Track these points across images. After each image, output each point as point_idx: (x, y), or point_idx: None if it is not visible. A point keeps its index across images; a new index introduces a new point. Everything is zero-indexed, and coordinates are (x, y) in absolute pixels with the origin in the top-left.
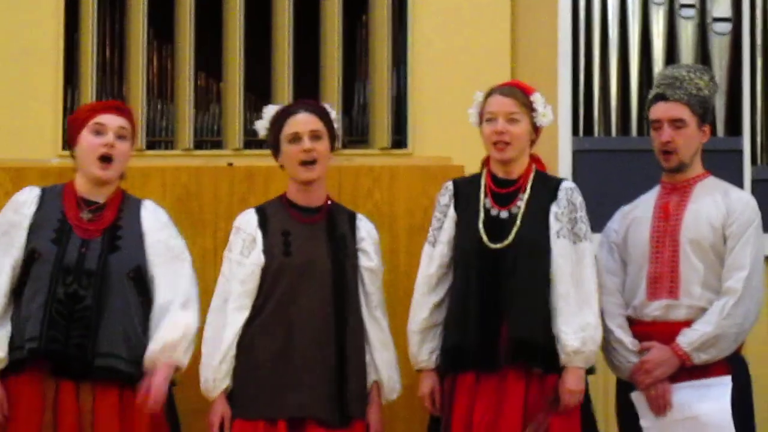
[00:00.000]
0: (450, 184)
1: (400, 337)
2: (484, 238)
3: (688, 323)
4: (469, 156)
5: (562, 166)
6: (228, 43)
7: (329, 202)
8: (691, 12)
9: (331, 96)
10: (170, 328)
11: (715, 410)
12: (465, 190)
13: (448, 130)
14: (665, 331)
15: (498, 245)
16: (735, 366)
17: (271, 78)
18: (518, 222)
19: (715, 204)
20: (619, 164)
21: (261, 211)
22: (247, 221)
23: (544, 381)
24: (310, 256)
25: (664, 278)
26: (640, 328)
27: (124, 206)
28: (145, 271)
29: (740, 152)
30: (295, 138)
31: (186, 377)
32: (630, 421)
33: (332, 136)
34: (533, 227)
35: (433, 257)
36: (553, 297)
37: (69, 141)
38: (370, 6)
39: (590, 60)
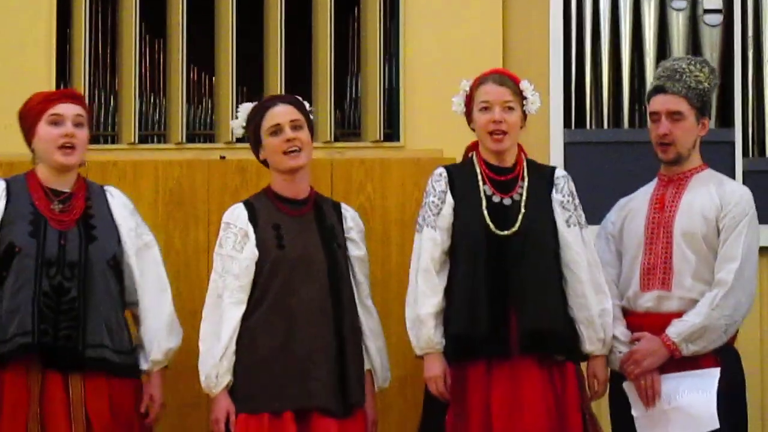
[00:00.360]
0: (443, 171)
1: (394, 328)
2: (491, 224)
3: (680, 315)
4: (461, 148)
5: (554, 158)
6: (220, 37)
7: (315, 194)
8: (683, 4)
9: (323, 89)
10: (175, 336)
11: (700, 401)
12: (459, 177)
13: (440, 123)
14: (657, 323)
15: (505, 232)
16: (725, 358)
17: (263, 72)
18: (523, 209)
19: (709, 196)
20: (610, 156)
21: (249, 206)
22: (237, 216)
23: (563, 368)
24: (304, 248)
25: (657, 269)
26: (634, 319)
27: (91, 194)
28: (120, 259)
29: (732, 144)
30: (277, 130)
31: (179, 372)
32: (622, 410)
33: (310, 126)
34: (537, 214)
35: (438, 242)
36: (574, 284)
37: (25, 134)
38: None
39: (582, 52)
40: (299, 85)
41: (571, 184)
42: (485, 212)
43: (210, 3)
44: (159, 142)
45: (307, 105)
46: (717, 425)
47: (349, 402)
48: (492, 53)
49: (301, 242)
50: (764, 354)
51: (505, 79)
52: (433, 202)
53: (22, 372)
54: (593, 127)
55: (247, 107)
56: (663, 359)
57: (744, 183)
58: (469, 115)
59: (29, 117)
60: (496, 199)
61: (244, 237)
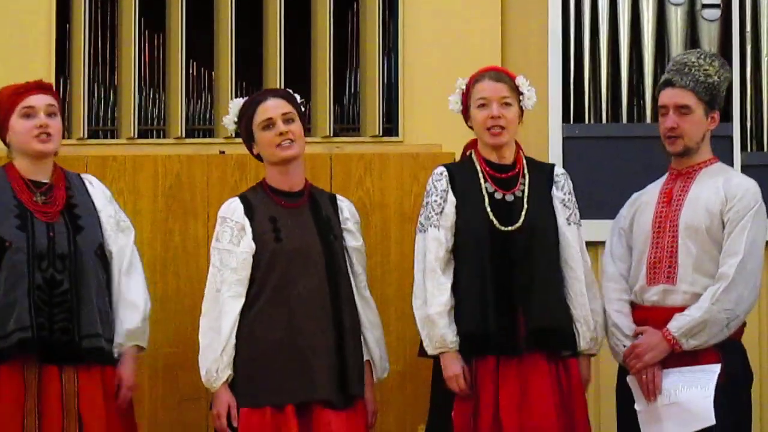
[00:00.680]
0: (443, 170)
1: (393, 322)
2: (494, 221)
3: (684, 309)
4: (460, 143)
5: (553, 153)
6: (219, 32)
7: (310, 186)
8: None
9: (322, 84)
10: (130, 315)
11: (698, 397)
12: (460, 176)
13: (439, 118)
14: (662, 317)
15: (509, 228)
16: (727, 353)
17: (262, 67)
18: (526, 205)
19: (715, 189)
20: (609, 151)
21: (245, 199)
22: (233, 210)
23: (568, 364)
24: (302, 240)
25: (663, 264)
26: (641, 313)
27: (70, 183)
28: (104, 247)
29: (730, 138)
30: (269, 124)
31: (179, 367)
32: (627, 404)
33: (302, 119)
34: (540, 210)
35: (442, 241)
36: (572, 282)
37: (1, 130)
38: None
39: (580, 47)
40: (298, 80)
41: (570, 182)
42: (488, 209)
43: None
44: (158, 136)
45: (298, 97)
46: (713, 421)
47: (349, 393)
48: (491, 48)
49: (298, 234)
50: (763, 349)
51: (502, 75)
52: (435, 201)
53: (19, 367)
54: (592, 121)
55: (237, 103)
56: (664, 354)
57: None
58: (466, 113)
59: (0, 111)
60: (498, 195)
61: (241, 230)
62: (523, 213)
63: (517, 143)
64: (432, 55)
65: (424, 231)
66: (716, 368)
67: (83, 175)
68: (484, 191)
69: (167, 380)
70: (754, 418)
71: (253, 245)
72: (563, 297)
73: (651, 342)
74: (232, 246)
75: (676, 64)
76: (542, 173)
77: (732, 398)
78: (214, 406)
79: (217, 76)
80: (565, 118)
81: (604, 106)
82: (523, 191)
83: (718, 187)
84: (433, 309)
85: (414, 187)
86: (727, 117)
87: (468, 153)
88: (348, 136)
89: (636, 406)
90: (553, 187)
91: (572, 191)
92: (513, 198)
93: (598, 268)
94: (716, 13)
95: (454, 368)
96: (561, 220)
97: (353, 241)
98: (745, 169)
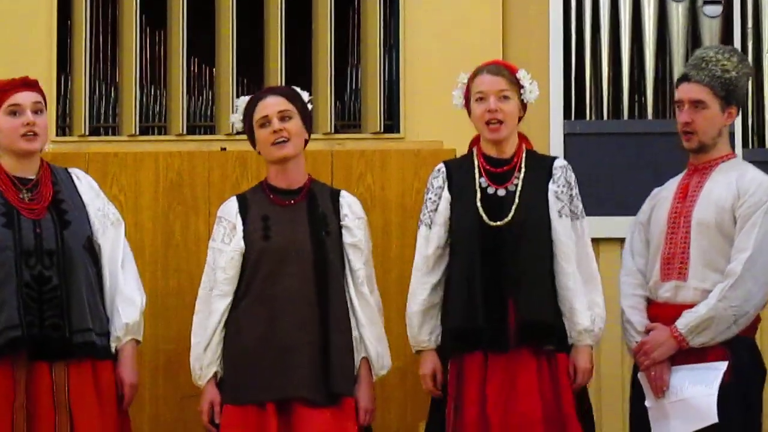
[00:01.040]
0: (442, 167)
1: (394, 318)
2: (484, 216)
3: (694, 305)
4: (461, 140)
5: (554, 150)
6: (220, 28)
7: (310, 183)
8: None
9: (323, 81)
10: (128, 309)
11: (702, 394)
12: (458, 171)
13: (440, 114)
14: (673, 313)
15: (498, 223)
16: (736, 350)
17: (263, 63)
18: (517, 200)
19: (727, 184)
20: (610, 147)
21: (242, 198)
22: (228, 209)
23: (554, 359)
24: (290, 238)
25: (675, 259)
26: (654, 309)
27: (56, 179)
28: (93, 240)
29: (732, 134)
30: (265, 122)
31: (179, 364)
32: (640, 400)
33: (304, 117)
34: (532, 205)
35: (430, 239)
36: (559, 276)
37: None
38: None
39: (581, 43)
40: (299, 76)
41: (570, 175)
42: (479, 204)
43: None
44: (159, 133)
45: (306, 95)
46: (716, 419)
47: (332, 391)
48: (492, 44)
49: (289, 232)
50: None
51: (501, 68)
52: (430, 198)
53: (8, 364)
54: (593, 118)
55: (243, 100)
56: (672, 351)
57: None
58: (468, 107)
59: None
60: (491, 190)
61: (233, 230)
62: (514, 208)
63: (523, 137)
64: (433, 52)
65: (419, 228)
66: (722, 366)
67: (71, 170)
68: (477, 186)
69: (168, 377)
70: (766, 415)
71: (242, 244)
72: (553, 291)
73: (659, 339)
74: (223, 245)
75: (694, 59)
76: (542, 167)
77: (740, 395)
78: (200, 402)
79: (218, 73)
80: (567, 114)
81: (606, 103)
82: (516, 185)
83: (731, 182)
84: (411, 308)
85: (415, 183)
86: None
87: (473, 148)
88: (349, 133)
89: (646, 403)
90: (550, 181)
91: (572, 183)
92: (505, 192)
93: (600, 264)
94: (717, 9)
95: (424, 367)
96: (553, 213)
97: (349, 237)
98: None
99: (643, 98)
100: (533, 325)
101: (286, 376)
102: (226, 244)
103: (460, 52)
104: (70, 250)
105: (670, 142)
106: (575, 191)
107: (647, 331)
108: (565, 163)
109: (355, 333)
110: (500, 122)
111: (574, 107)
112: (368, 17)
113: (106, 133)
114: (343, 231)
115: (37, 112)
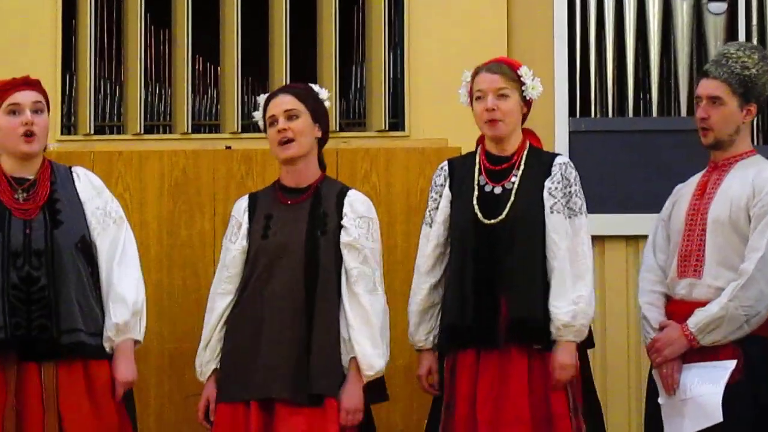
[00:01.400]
0: (445, 164)
1: (400, 316)
2: (479, 214)
3: (708, 303)
4: (466, 138)
5: (559, 147)
6: (225, 27)
7: (320, 181)
8: None
9: (328, 79)
10: (119, 308)
11: (709, 393)
12: (460, 169)
13: (445, 112)
14: (688, 311)
15: (492, 221)
16: (748, 348)
17: (268, 62)
18: (512, 197)
19: (743, 182)
20: (615, 145)
21: (253, 197)
22: (238, 208)
23: (546, 357)
24: (286, 237)
25: (692, 257)
26: (671, 306)
27: (56, 178)
28: (89, 239)
29: None
30: (273, 120)
31: (185, 362)
32: (654, 397)
33: (318, 115)
34: (527, 202)
35: (430, 237)
36: (549, 273)
37: None
38: None
39: (586, 41)
40: (304, 75)
41: (570, 171)
42: (475, 202)
43: None
44: (164, 132)
45: (324, 93)
46: (720, 419)
47: (312, 392)
48: (496, 42)
49: (286, 231)
50: None
51: (501, 66)
52: (432, 197)
53: None
54: (598, 115)
55: (263, 98)
56: (683, 349)
57: None
58: (471, 104)
59: None
60: (488, 188)
61: (239, 229)
62: (508, 205)
63: (530, 134)
64: (438, 50)
65: (423, 227)
66: (730, 365)
67: (73, 168)
68: (475, 184)
69: (173, 376)
70: None
71: (244, 243)
72: (545, 289)
73: (670, 337)
74: (230, 244)
75: (716, 55)
76: (542, 164)
77: (751, 393)
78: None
79: (222, 72)
80: (571, 112)
81: (610, 100)
82: (513, 183)
83: (747, 180)
84: (411, 308)
85: (420, 181)
86: None
87: (478, 146)
88: (354, 131)
89: (659, 400)
90: (548, 178)
91: (571, 180)
92: (501, 190)
93: (604, 262)
94: (722, 6)
95: (420, 368)
96: (546, 209)
97: (345, 236)
98: None
99: (648, 96)
100: (523, 323)
101: (264, 374)
102: (232, 243)
103: (465, 50)
104: (60, 250)
105: (675, 139)
106: (575, 188)
107: (661, 328)
108: (567, 160)
109: (345, 333)
110: (498, 120)
111: (579, 105)
112: (373, 15)
113: (111, 132)
114: (342, 230)
115: (37, 111)
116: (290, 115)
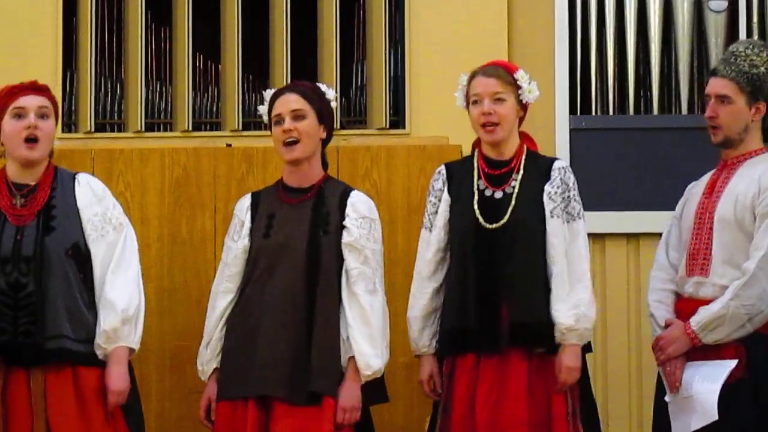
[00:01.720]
0: (443, 169)
1: (400, 314)
2: (480, 218)
3: (712, 301)
4: (467, 136)
5: (559, 145)
6: (226, 25)
7: (323, 181)
8: None
9: (329, 77)
10: (108, 315)
11: (707, 391)
12: (458, 174)
13: (446, 110)
14: (694, 308)
15: (494, 225)
16: (751, 347)
17: (269, 59)
18: (513, 202)
19: (750, 180)
20: (616, 143)
21: (256, 195)
22: (241, 206)
23: (546, 361)
24: (287, 236)
25: (700, 255)
26: (680, 304)
27: (57, 184)
28: (83, 246)
29: None
30: (278, 119)
31: (186, 360)
32: (662, 394)
33: (323, 116)
34: (528, 207)
35: (431, 242)
36: (550, 277)
37: None
38: None
39: (587, 38)
40: (305, 72)
41: (569, 176)
42: (476, 206)
43: None
44: (165, 130)
45: (331, 93)
46: (715, 417)
47: (312, 391)
48: (497, 40)
49: (288, 230)
50: None
51: (497, 70)
52: (431, 201)
53: None
54: (598, 113)
55: (269, 93)
56: (686, 347)
57: None
58: (468, 108)
59: None
60: (488, 193)
61: (241, 227)
62: (509, 210)
63: (527, 138)
64: (438, 48)
65: (422, 231)
66: (731, 363)
67: (78, 174)
68: (475, 189)
69: (174, 373)
70: None
71: (246, 242)
72: (546, 293)
73: (674, 335)
74: (232, 242)
75: (726, 54)
76: (540, 168)
77: (753, 391)
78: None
79: (223, 70)
80: (572, 109)
81: (611, 98)
82: (513, 188)
83: (754, 178)
84: (411, 312)
85: (421, 179)
86: None
87: (475, 149)
88: (355, 129)
89: (666, 397)
90: (547, 182)
91: (569, 185)
92: (502, 195)
93: (604, 260)
94: (723, 4)
95: (422, 372)
96: (546, 213)
97: (347, 236)
98: None
99: (648, 94)
100: (524, 327)
101: (261, 372)
102: (234, 241)
103: (466, 48)
104: (49, 257)
105: (676, 137)
106: (573, 193)
107: (666, 326)
108: (565, 164)
109: (344, 333)
110: (495, 124)
111: (579, 103)
112: (374, 13)
113: (112, 130)
114: (343, 230)
115: (42, 116)
116: (296, 116)
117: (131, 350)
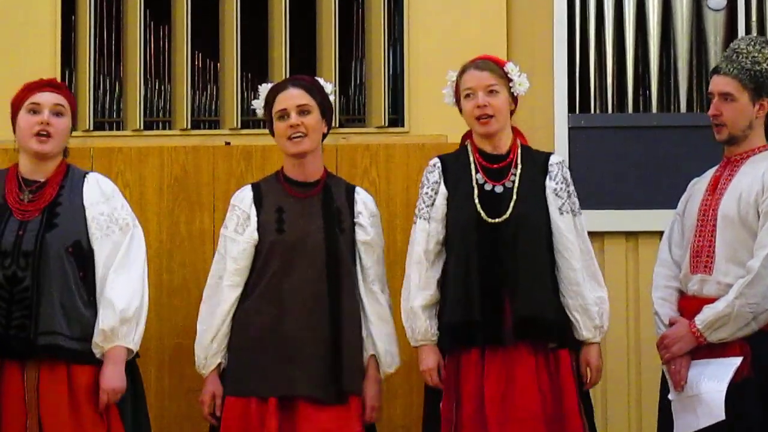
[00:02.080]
0: (437, 161)
1: (399, 313)
2: (482, 213)
3: (717, 299)
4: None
5: (558, 143)
6: (225, 23)
7: (326, 176)
8: None
9: (328, 75)
10: (107, 314)
11: (713, 390)
12: (453, 167)
13: (445, 108)
14: (698, 306)
15: (496, 220)
16: (756, 345)
17: (267, 57)
18: (515, 196)
19: (753, 178)
20: (615, 141)
21: (257, 188)
22: (243, 198)
23: (556, 355)
24: (303, 231)
25: (703, 252)
26: (684, 302)
27: (66, 182)
28: (85, 245)
29: None
30: (284, 114)
31: (186, 357)
32: (666, 393)
33: (324, 110)
34: (530, 201)
35: (431, 233)
36: (567, 272)
37: (12, 125)
38: None
39: (586, 37)
40: (304, 71)
41: (566, 171)
42: (477, 200)
43: None
44: (164, 128)
45: (329, 87)
46: (722, 417)
47: (342, 390)
48: (496, 39)
49: (302, 225)
50: None
51: (488, 63)
52: (426, 193)
53: None
54: (597, 111)
55: (265, 88)
56: (690, 345)
57: None
58: (459, 105)
59: (13, 107)
60: (488, 187)
61: (246, 220)
62: (512, 204)
63: (517, 132)
64: (437, 46)
65: (415, 222)
66: (735, 361)
67: (88, 173)
68: (474, 183)
69: (174, 371)
70: None
71: (255, 236)
72: (553, 287)
73: (678, 333)
74: (236, 235)
75: (728, 51)
76: (537, 163)
77: (759, 390)
78: (201, 393)
79: (222, 68)
80: (571, 108)
81: (610, 96)
82: (513, 182)
83: (757, 175)
84: (417, 302)
85: (419, 177)
86: None
87: (465, 143)
88: (354, 127)
89: (669, 396)
90: (547, 177)
91: (568, 180)
92: (502, 189)
93: (603, 258)
94: (722, 2)
95: (428, 362)
96: (553, 210)
97: (363, 234)
98: None
99: (647, 92)
100: (531, 321)
101: (289, 372)
102: (240, 234)
103: (465, 46)
104: (48, 253)
105: (675, 135)
106: (572, 188)
107: (671, 324)
108: (561, 159)
109: (363, 331)
110: (490, 116)
111: (578, 101)
112: (372, 11)
113: (111, 128)
114: (357, 228)
115: (57, 114)
116: (302, 110)
117: (129, 351)
